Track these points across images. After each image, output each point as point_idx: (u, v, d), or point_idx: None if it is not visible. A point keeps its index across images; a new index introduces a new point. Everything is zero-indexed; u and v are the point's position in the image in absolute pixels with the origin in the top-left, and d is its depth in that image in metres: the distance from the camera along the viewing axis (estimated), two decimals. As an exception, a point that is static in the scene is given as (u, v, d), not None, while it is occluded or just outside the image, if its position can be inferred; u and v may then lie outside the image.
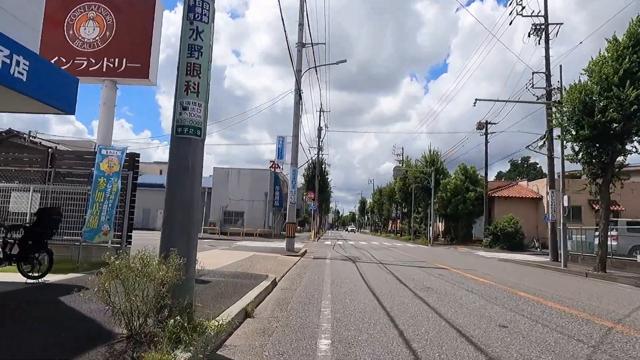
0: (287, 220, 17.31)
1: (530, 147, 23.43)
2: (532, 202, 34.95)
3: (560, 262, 15.89)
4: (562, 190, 15.73)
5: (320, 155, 43.32)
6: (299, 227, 79.16)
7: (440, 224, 40.06)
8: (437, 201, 35.91)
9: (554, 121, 14.80)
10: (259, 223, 34.64)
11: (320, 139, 42.83)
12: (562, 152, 15.50)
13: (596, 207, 34.82)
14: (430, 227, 34.96)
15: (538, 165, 57.38)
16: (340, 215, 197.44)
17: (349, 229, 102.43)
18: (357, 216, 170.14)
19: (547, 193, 20.30)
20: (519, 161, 63.37)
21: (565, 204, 15.41)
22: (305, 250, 18.75)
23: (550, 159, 20.47)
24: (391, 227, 76.50)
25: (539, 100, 17.45)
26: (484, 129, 33.48)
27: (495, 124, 33.28)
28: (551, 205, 20.20)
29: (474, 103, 16.48)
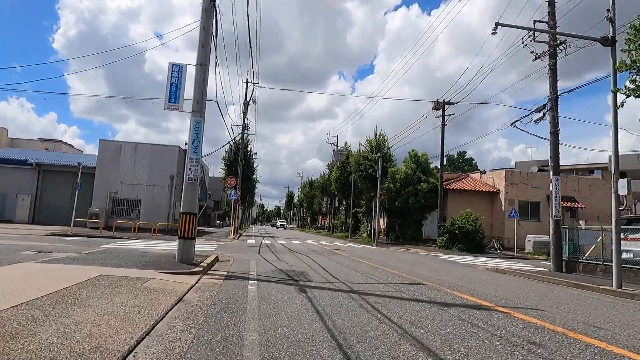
0: (181, 210, 10.09)
1: (515, 124, 18.47)
2: (487, 196, 30.85)
3: (572, 273, 10.55)
4: (616, 171, 10.38)
5: (246, 136, 35.91)
6: (217, 222, 70.63)
7: (382, 219, 34.75)
8: (384, 193, 30.44)
9: (627, 59, 9.30)
10: (161, 215, 26.46)
11: (247, 116, 35.47)
12: (615, 116, 10.16)
13: None
14: (376, 224, 29.36)
15: (474, 161, 54.99)
16: (265, 209, 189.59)
17: (279, 224, 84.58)
18: (282, 210, 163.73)
19: (551, 181, 15.26)
20: (455, 156, 61.07)
21: (623, 191, 10.03)
22: (216, 259, 11.66)
23: (555, 134, 15.45)
24: (321, 222, 71.02)
25: (589, 37, 12.02)
26: (441, 110, 28.58)
27: (454, 104, 28.53)
28: (555, 196, 15.15)
29: (494, 29, 10.56)
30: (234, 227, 29.77)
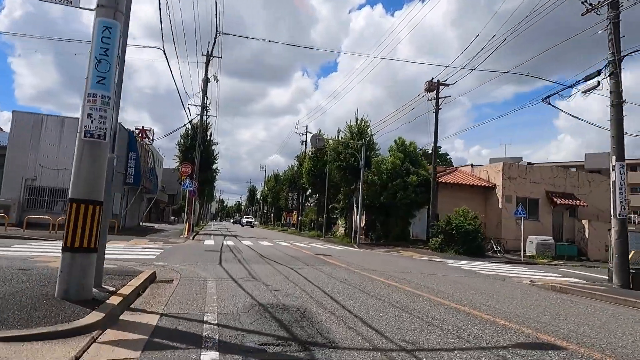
0: (71, 194, 5.32)
1: (549, 100, 14.79)
2: (481, 191, 27.48)
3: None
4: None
5: (206, 118, 30.69)
6: (172, 218, 64.17)
7: (360, 217, 30.64)
8: (366, 187, 26.34)
9: None
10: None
11: (206, 94, 30.27)
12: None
13: (558, 201, 29.00)
14: (358, 222, 25.20)
15: (448, 157, 52.10)
16: (225, 205, 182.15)
17: (245, 220, 68.01)
18: (243, 206, 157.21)
19: (613, 169, 11.55)
20: (429, 151, 58.07)
21: None
22: (149, 279, 6.98)
23: (618, 107, 11.77)
24: (286, 219, 66.30)
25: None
26: (435, 91, 24.81)
27: (448, 85, 24.85)
28: (620, 188, 11.46)
29: None
30: (189, 224, 24.68)
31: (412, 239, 26.44)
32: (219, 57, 31.64)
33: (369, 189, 26.42)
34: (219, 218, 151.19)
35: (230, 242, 20.16)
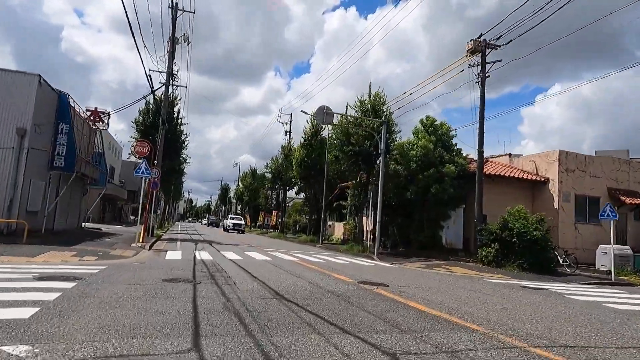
0: None
1: None
2: (528, 186, 21.76)
3: None
4: None
5: (174, 89, 23.63)
6: (132, 217, 55.87)
7: (366, 218, 24.26)
8: (379, 177, 20.00)
9: None
10: (-6, 203, 13.77)
11: (173, 58, 23.33)
12: None
13: (628, 200, 23.47)
14: (377, 224, 18.81)
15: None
16: (193, 205, 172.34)
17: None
18: (213, 206, 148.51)
19: None
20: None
21: None
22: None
23: None
24: (264, 220, 59.26)
25: None
26: (481, 54, 18.86)
27: (498, 47, 18.95)
28: None
29: None
30: (146, 226, 17.68)
31: (447, 248, 20.34)
32: (190, 12, 24.71)
33: (390, 181, 20.13)
34: (188, 219, 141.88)
35: (206, 255, 13.38)
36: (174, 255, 13.18)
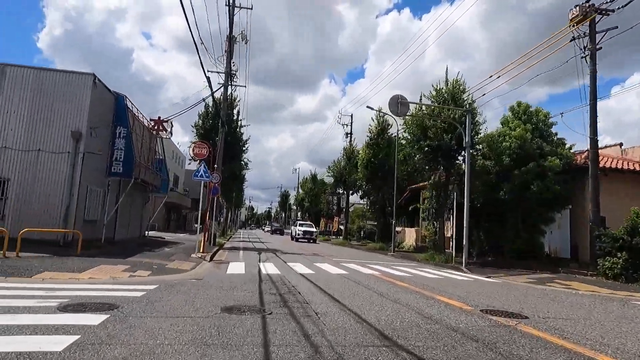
0: None
1: None
2: (652, 182, 17.84)
3: None
4: None
5: (232, 89, 22.47)
6: (196, 226, 56.57)
7: (450, 224, 21.36)
8: (459, 174, 17.17)
9: None
10: (50, 213, 12.90)
11: (231, 58, 22.20)
12: None
13: None
14: (465, 230, 16.02)
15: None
16: (254, 212, 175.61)
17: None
18: (273, 213, 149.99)
19: None
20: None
21: None
22: None
23: None
24: (325, 227, 57.49)
25: None
26: (589, 23, 15.57)
27: (610, 12, 15.57)
28: None
29: None
30: (206, 235, 16.34)
31: (549, 257, 17.06)
32: (248, 9, 23.44)
33: (477, 178, 17.28)
34: (250, 226, 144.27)
35: (272, 268, 11.52)
36: (236, 268, 11.46)
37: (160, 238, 23.75)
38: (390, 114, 18.88)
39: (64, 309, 5.13)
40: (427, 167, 20.12)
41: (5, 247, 10.17)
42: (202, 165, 14.40)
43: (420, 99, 19.67)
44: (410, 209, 25.41)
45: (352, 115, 43.71)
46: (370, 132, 27.81)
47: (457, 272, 14.24)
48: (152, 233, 28.97)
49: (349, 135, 42.56)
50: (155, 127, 24.99)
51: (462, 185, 17.58)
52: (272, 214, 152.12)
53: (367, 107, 24.18)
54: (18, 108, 13.03)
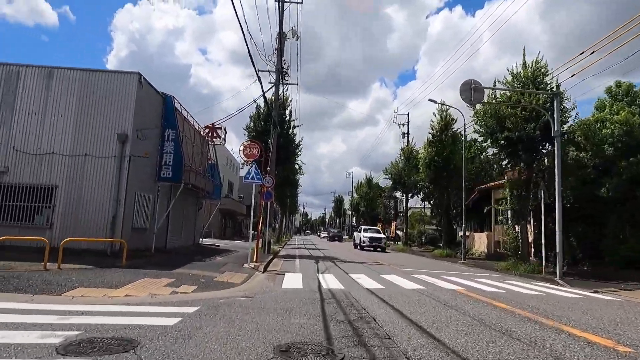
0: None
1: None
2: None
3: None
4: None
5: (284, 88, 21.33)
6: (251, 232, 56.48)
7: (528, 225, 18.54)
8: (548, 167, 14.53)
9: None
10: (96, 221, 12.16)
11: (282, 55, 21.13)
12: None
13: None
14: (557, 234, 13.44)
15: None
16: (308, 218, 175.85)
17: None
18: (327, 219, 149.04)
19: None
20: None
21: None
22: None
23: None
24: (383, 231, 54.99)
25: None
26: None
27: None
28: None
29: None
30: (259, 242, 15.10)
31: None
32: (297, 2, 22.24)
33: (570, 173, 14.63)
34: (306, 232, 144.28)
35: (333, 282, 9.89)
36: (292, 281, 9.95)
37: (215, 246, 22.98)
38: (454, 106, 16.66)
39: (65, 349, 3.79)
40: (504, 163, 17.59)
41: (45, 259, 9.36)
42: (253, 166, 13.14)
43: (494, 84, 17.23)
44: (485, 210, 22.75)
45: (408, 114, 41.42)
46: (432, 128, 25.53)
47: (553, 286, 11.81)
48: (207, 240, 28.50)
49: (405, 135, 40.27)
50: (209, 134, 24.47)
51: (548, 182, 15.00)
52: (326, 220, 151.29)
53: (429, 100, 22.14)
54: (65, 112, 12.50)
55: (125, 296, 7.07)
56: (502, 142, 16.57)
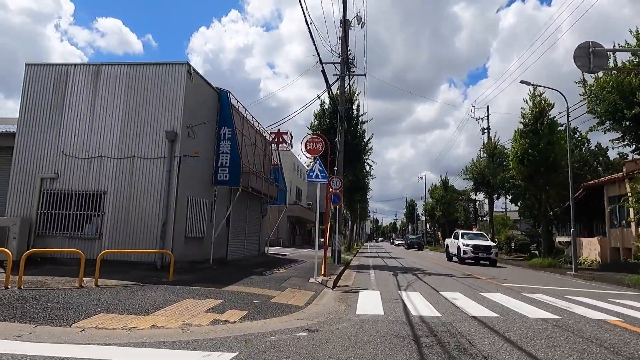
0: None
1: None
2: None
3: None
4: None
5: (350, 79, 19.28)
6: (321, 240, 54.95)
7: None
8: None
9: None
10: (146, 229, 10.87)
11: (347, 45, 19.23)
12: None
13: None
14: None
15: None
16: (379, 224, 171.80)
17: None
18: (399, 225, 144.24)
19: None
20: None
21: None
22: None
23: None
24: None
25: None
26: None
27: None
28: None
29: None
30: (328, 251, 13.07)
31: None
32: (360, 23, 20.24)
33: None
34: (379, 238, 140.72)
35: (423, 305, 7.47)
36: (370, 302, 7.70)
37: (281, 255, 21.39)
38: (553, 87, 13.31)
39: None
40: (632, 149, 13.91)
41: (81, 274, 8.05)
42: (317, 162, 11.15)
43: (614, 51, 13.64)
44: (608, 209, 18.74)
45: (488, 107, 37.79)
46: (523, 117, 21.88)
47: None
48: (274, 249, 27.18)
49: (485, 130, 36.45)
50: (275, 139, 23.14)
51: None
52: (398, 226, 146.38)
53: (521, 82, 18.60)
54: (112, 111, 11.48)
55: (151, 327, 5.32)
56: (628, 122, 13.01)
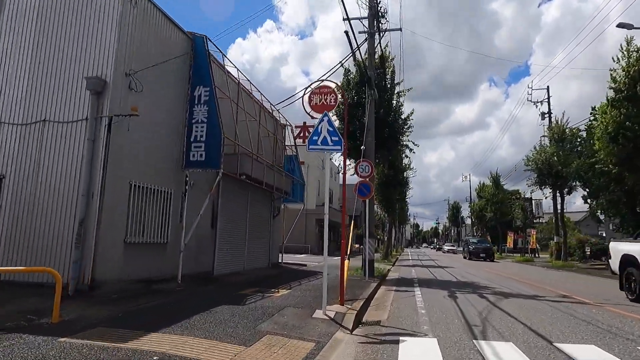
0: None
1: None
2: None
3: None
4: None
5: (381, 35, 14.72)
6: (356, 246, 49.93)
7: None
8: None
9: None
10: (61, 231, 6.87)
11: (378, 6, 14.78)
12: None
13: None
14: None
15: None
16: (419, 229, 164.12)
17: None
18: (441, 230, 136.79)
19: None
20: None
21: None
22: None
23: None
24: (514, 242, 44.35)
25: None
26: None
27: None
28: None
29: None
30: (343, 268, 8.63)
31: None
32: None
33: None
34: (415, 245, 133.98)
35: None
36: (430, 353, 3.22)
37: (298, 266, 17.12)
38: None
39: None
40: None
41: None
42: (326, 119, 6.79)
43: None
44: None
45: (548, 88, 31.81)
46: (614, 81, 16.47)
47: None
48: (299, 257, 23.06)
49: (546, 115, 30.89)
50: (301, 135, 19.06)
51: None
52: (440, 231, 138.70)
53: (618, 25, 13.43)
54: (17, 55, 7.67)
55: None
56: None
